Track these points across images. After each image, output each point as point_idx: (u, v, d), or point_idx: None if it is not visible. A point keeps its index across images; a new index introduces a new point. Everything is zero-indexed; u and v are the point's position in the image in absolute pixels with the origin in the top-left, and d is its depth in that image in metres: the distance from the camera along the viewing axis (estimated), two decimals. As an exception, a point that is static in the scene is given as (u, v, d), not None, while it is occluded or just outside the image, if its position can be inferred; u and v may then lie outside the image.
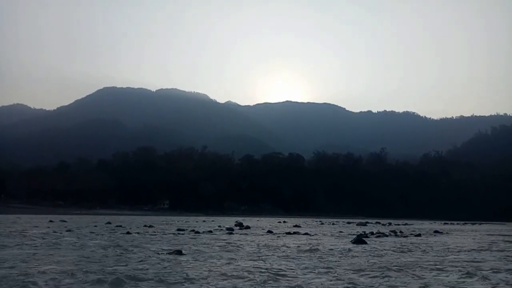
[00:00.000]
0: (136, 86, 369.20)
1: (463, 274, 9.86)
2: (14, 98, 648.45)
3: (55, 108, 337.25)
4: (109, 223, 36.14)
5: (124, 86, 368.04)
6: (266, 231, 28.57)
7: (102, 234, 21.63)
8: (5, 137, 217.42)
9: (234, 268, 10.03)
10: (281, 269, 10.06)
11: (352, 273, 9.66)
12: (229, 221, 51.22)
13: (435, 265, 11.50)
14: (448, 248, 17.57)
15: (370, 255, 13.91)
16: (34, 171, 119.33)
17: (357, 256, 13.33)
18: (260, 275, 9.07)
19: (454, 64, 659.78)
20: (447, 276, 9.63)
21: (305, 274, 9.42)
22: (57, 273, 8.80)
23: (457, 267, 11.16)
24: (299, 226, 38.20)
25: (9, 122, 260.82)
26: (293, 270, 9.92)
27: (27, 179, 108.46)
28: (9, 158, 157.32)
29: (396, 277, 9.30)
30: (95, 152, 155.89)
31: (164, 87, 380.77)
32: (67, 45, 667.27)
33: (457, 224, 67.00)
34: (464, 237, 27.64)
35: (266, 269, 10.01)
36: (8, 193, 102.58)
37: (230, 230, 28.14)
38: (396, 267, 10.76)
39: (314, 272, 9.71)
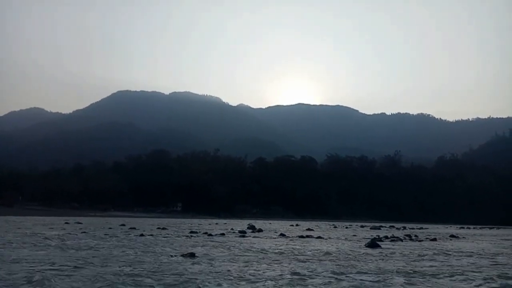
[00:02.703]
0: (149, 90, 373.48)
1: (483, 280, 9.62)
2: (32, 102, 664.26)
3: (71, 111, 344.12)
4: (123, 225, 36.50)
5: (138, 89, 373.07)
6: (278, 234, 28.44)
7: (116, 236, 21.84)
8: (23, 140, 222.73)
9: (248, 271, 9.99)
10: (295, 273, 9.97)
11: (366, 277, 9.51)
12: (241, 223, 51.21)
13: (453, 270, 11.25)
14: (466, 253, 17.19)
15: (384, 259, 13.70)
16: (50, 174, 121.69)
17: (371, 261, 13.14)
18: (274, 279, 9.01)
19: (469, 65, 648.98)
20: (466, 282, 9.41)
21: (319, 278, 9.32)
22: (68, 274, 8.90)
23: (475, 272, 10.90)
24: (312, 230, 37.92)
25: (27, 125, 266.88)
26: (306, 274, 9.83)
27: (44, 181, 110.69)
28: (27, 160, 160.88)
29: (412, 282, 9.12)
30: (109, 155, 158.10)
31: (177, 91, 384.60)
32: (82, 49, 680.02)
33: (474, 228, 65.63)
34: (481, 242, 27.02)
35: (280, 272, 9.94)
36: (25, 195, 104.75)
37: (242, 233, 28.11)
38: (412, 272, 10.56)
39: (327, 276, 9.61)
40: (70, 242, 17.37)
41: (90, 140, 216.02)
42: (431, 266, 12.01)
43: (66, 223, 38.04)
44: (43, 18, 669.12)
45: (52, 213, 74.54)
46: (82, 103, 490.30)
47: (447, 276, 10.12)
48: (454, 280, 9.68)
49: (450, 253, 17.05)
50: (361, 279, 9.29)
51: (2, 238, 18.55)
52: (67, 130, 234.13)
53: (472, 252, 17.78)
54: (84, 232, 24.18)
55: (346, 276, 9.64)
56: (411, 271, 10.72)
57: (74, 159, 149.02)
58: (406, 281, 9.24)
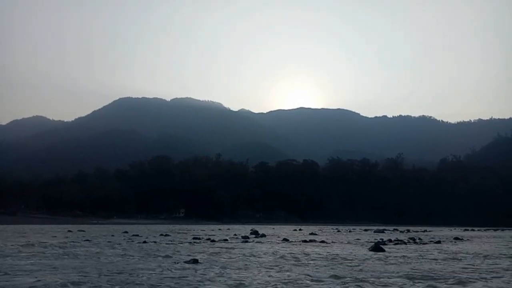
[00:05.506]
0: (151, 96, 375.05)
1: (488, 283, 9.56)
2: (34, 111, 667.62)
3: (73, 119, 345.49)
4: (126, 232, 36.47)
5: (139, 96, 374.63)
6: (281, 239, 28.36)
7: (119, 244, 21.82)
8: (26, 148, 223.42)
9: (250, 277, 9.96)
10: (297, 277, 9.94)
11: (370, 281, 9.46)
12: (244, 229, 51.10)
13: (458, 273, 11.18)
14: (471, 255, 17.09)
15: (388, 263, 13.63)
16: (53, 181, 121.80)
17: (376, 264, 13.09)
18: (275, 285, 8.98)
19: (471, 66, 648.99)
20: (471, 287, 9.35)
21: (321, 284, 9.28)
22: (70, 283, 8.89)
23: (481, 275, 10.84)
24: (315, 234, 37.80)
25: (30, 134, 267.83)
26: (309, 279, 9.79)
27: (47, 189, 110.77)
28: (30, 168, 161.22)
29: (417, 286, 9.07)
30: (112, 162, 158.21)
31: (178, 97, 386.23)
32: (84, 57, 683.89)
33: (478, 230, 65.22)
34: (486, 244, 26.86)
35: (281, 278, 9.91)
36: (28, 203, 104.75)
37: (245, 238, 28.04)
38: (416, 275, 10.50)
39: (331, 280, 9.57)
40: (71, 250, 17.36)
41: (93, 147, 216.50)
42: (436, 269, 11.94)
43: (69, 231, 38.05)
44: (45, 27, 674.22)
45: (55, 221, 74.53)
46: (84, 111, 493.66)
47: (451, 279, 10.06)
48: (459, 283, 9.62)
49: (455, 255, 16.95)
50: (364, 284, 9.24)
51: (4, 247, 18.57)
52: (70, 138, 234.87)
53: (476, 255, 17.68)
54: (87, 240, 24.18)
55: (349, 281, 9.59)
56: (416, 275, 10.66)
57: (77, 166, 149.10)
58: (411, 284, 9.19)
